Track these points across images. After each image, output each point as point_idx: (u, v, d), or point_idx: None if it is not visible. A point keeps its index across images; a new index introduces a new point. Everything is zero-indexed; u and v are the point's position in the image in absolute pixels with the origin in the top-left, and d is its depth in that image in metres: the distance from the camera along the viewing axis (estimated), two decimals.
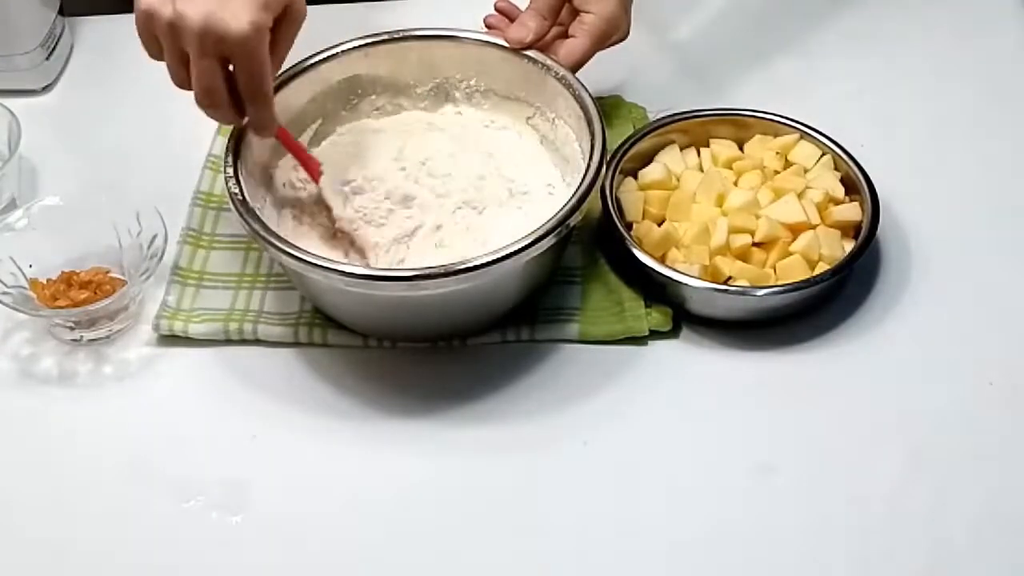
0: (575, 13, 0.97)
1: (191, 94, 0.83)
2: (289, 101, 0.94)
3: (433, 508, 0.83)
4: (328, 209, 0.91)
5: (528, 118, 0.98)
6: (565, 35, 0.97)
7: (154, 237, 0.92)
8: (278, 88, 0.93)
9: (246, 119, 0.85)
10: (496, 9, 1.01)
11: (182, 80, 0.83)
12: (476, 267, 0.81)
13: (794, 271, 0.90)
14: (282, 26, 0.82)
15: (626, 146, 0.96)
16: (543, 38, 0.95)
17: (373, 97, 0.99)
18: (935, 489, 0.82)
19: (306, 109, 0.96)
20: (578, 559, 0.80)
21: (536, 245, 0.83)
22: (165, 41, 0.81)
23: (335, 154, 0.95)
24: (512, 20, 0.96)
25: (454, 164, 0.94)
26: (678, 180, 0.96)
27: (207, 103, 0.82)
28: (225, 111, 0.83)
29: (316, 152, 0.95)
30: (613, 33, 0.97)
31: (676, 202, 0.94)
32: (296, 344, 0.91)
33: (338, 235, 0.90)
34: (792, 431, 0.86)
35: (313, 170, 0.91)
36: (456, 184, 0.93)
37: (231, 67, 0.82)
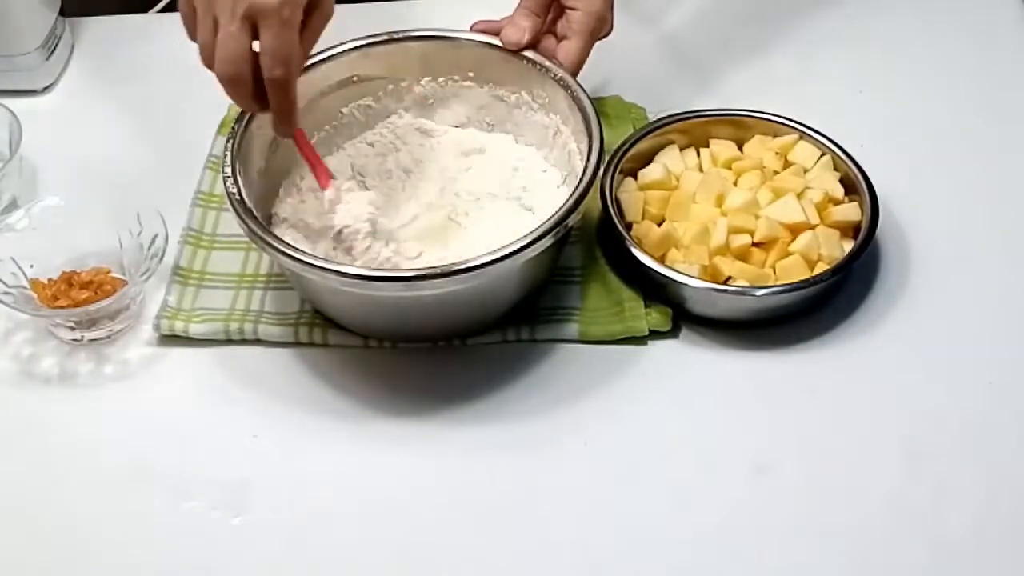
0: (561, 11, 0.96)
1: (190, 95, 0.83)
2: None
3: (433, 508, 0.83)
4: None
5: (528, 118, 0.98)
6: (550, 32, 0.97)
7: (155, 237, 0.92)
8: None
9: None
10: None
11: (209, 54, 0.81)
12: (474, 267, 0.81)
13: (794, 271, 0.90)
14: (311, 17, 0.82)
15: (626, 146, 0.96)
16: (539, 37, 0.95)
17: (371, 99, 0.99)
18: (934, 489, 0.82)
19: (306, 110, 0.96)
20: (578, 559, 0.80)
21: (534, 245, 0.83)
22: (200, 7, 0.81)
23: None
24: (496, 32, 0.96)
25: (453, 164, 0.94)
26: (678, 180, 0.96)
27: (228, 72, 0.80)
28: (246, 87, 0.81)
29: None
30: (602, 28, 0.96)
31: (676, 202, 0.94)
32: (296, 344, 0.91)
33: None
34: (792, 431, 0.86)
35: (323, 176, 0.90)
36: (456, 185, 0.93)
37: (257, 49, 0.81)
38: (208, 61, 0.82)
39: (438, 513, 0.83)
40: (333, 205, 0.89)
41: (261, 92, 0.82)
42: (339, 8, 1.15)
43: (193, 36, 0.83)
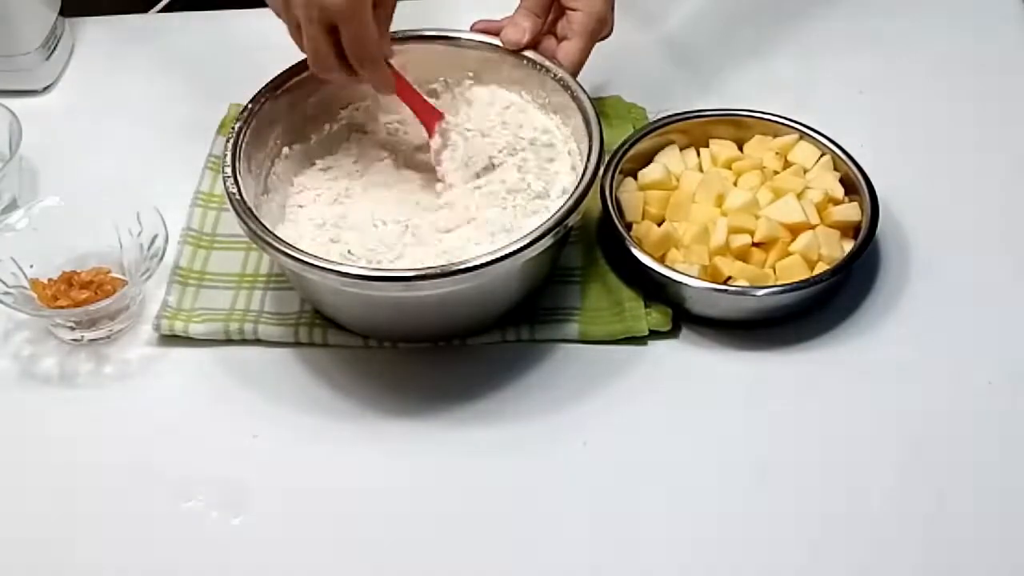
0: (561, 11, 0.97)
1: (190, 95, 0.83)
2: (292, 100, 0.95)
3: (433, 508, 0.83)
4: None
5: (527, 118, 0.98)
6: (551, 33, 0.97)
7: (155, 237, 0.92)
8: (279, 88, 0.93)
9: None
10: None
11: (301, 46, 0.88)
12: (474, 267, 0.81)
13: (793, 271, 0.90)
14: None
15: (626, 146, 0.96)
16: (539, 37, 0.95)
17: (369, 100, 0.99)
18: (934, 489, 0.82)
19: (306, 110, 0.97)
20: (578, 559, 0.80)
21: (534, 245, 0.83)
22: (282, 10, 0.86)
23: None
24: (497, 32, 0.96)
25: (450, 165, 0.95)
26: (678, 180, 0.96)
27: (319, 68, 0.88)
28: (337, 74, 0.88)
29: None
30: (602, 29, 0.96)
31: (676, 202, 0.94)
32: (296, 344, 0.91)
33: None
34: (792, 431, 0.86)
35: (431, 122, 0.93)
36: (456, 179, 0.93)
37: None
38: (302, 49, 0.88)
39: (438, 513, 0.83)
40: (438, 155, 0.93)
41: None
42: None
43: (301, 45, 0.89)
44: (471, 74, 0.98)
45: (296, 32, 0.87)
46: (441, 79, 0.98)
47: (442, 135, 0.94)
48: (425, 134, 0.94)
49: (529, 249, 0.82)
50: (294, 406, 0.88)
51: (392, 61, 0.90)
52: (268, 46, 0.91)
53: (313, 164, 0.97)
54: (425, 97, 0.94)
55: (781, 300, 0.89)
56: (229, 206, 0.86)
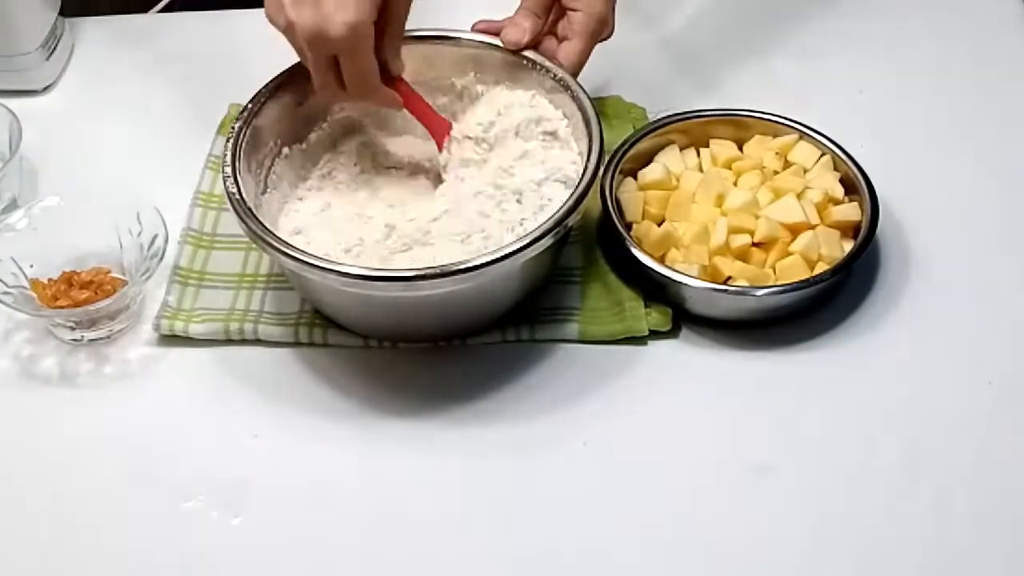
0: (562, 12, 0.97)
1: (190, 95, 0.83)
2: (292, 100, 0.95)
3: (433, 508, 0.83)
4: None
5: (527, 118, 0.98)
6: (551, 33, 0.97)
7: (154, 237, 0.92)
8: (278, 88, 0.93)
9: None
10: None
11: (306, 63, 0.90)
12: (473, 267, 0.81)
13: (793, 271, 0.90)
14: (388, 14, 0.87)
15: (626, 146, 0.96)
16: (539, 38, 0.95)
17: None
18: (935, 489, 0.82)
19: (306, 110, 0.96)
20: (578, 559, 0.80)
21: (534, 245, 0.83)
22: (285, 34, 0.87)
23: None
24: (497, 32, 0.96)
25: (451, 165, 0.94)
26: (678, 180, 0.96)
27: (323, 93, 0.90)
28: (344, 98, 0.91)
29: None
30: (603, 30, 0.96)
31: (676, 202, 0.94)
32: (296, 344, 0.91)
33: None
34: (792, 431, 0.86)
35: (440, 136, 0.94)
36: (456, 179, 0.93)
37: None
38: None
39: (438, 513, 0.83)
40: (445, 162, 0.93)
41: None
42: None
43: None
44: (471, 74, 0.98)
45: (304, 57, 0.88)
46: (448, 80, 0.98)
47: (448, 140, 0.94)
48: (425, 127, 0.94)
49: (529, 249, 0.82)
50: (294, 406, 0.88)
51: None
52: (268, 46, 0.91)
53: (313, 163, 0.97)
54: (435, 110, 0.94)
55: (781, 300, 0.89)
56: (229, 206, 0.86)
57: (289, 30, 0.86)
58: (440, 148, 0.94)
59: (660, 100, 1.05)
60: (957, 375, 0.88)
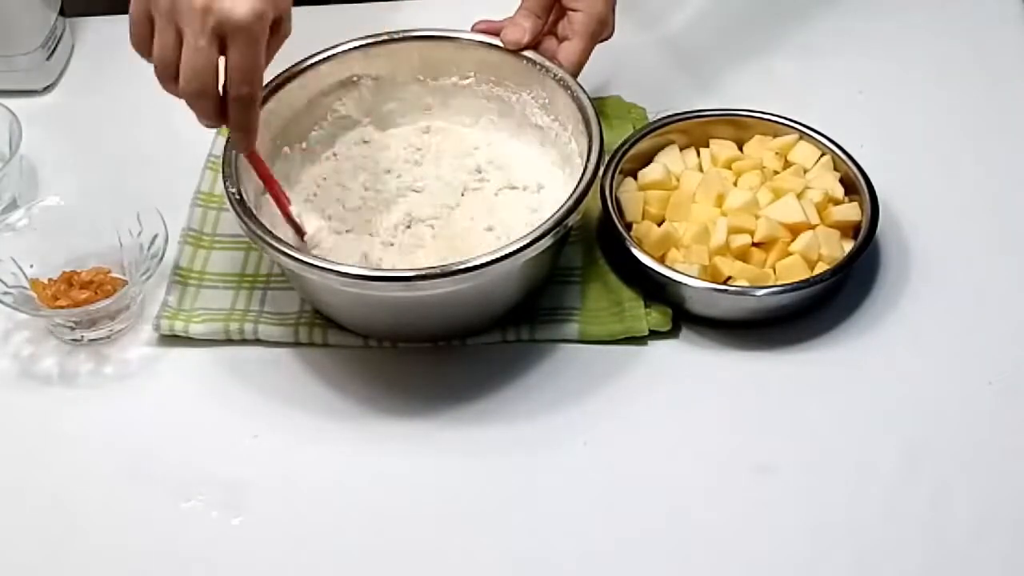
0: (563, 12, 0.97)
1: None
2: (291, 100, 0.95)
3: (433, 507, 0.83)
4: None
5: (528, 118, 0.98)
6: (551, 33, 0.97)
7: (155, 237, 0.92)
8: (278, 88, 0.93)
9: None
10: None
11: (167, 67, 0.79)
12: (473, 267, 0.81)
13: (794, 271, 0.90)
14: (273, 37, 0.80)
15: (626, 146, 0.96)
16: (539, 38, 0.95)
17: (368, 97, 0.99)
18: (934, 489, 0.82)
19: (305, 110, 0.97)
20: (578, 559, 0.80)
21: (534, 245, 0.83)
22: (162, 20, 0.78)
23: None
24: (497, 32, 0.96)
25: (451, 165, 0.94)
26: (678, 180, 0.96)
27: (195, 87, 0.79)
28: (212, 102, 0.80)
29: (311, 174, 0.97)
30: (603, 31, 0.96)
31: (676, 202, 0.94)
32: (296, 344, 0.91)
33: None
34: (792, 431, 0.86)
35: (283, 202, 0.90)
36: (456, 179, 0.93)
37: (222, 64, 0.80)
38: (166, 74, 0.80)
39: (438, 513, 0.83)
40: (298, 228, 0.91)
41: (224, 107, 0.81)
42: (338, 8, 1.16)
43: (140, 47, 0.81)
44: (471, 74, 0.98)
45: (171, 50, 0.79)
46: (448, 80, 0.99)
47: (436, 133, 0.94)
48: (424, 124, 0.93)
49: (529, 249, 0.82)
50: (294, 406, 0.88)
51: (389, 61, 0.90)
52: None
53: (312, 163, 0.97)
54: (281, 187, 0.91)
55: (781, 300, 0.89)
56: (229, 206, 0.86)
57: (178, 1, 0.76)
58: (284, 214, 0.90)
59: (660, 100, 1.05)
60: (957, 375, 0.88)
